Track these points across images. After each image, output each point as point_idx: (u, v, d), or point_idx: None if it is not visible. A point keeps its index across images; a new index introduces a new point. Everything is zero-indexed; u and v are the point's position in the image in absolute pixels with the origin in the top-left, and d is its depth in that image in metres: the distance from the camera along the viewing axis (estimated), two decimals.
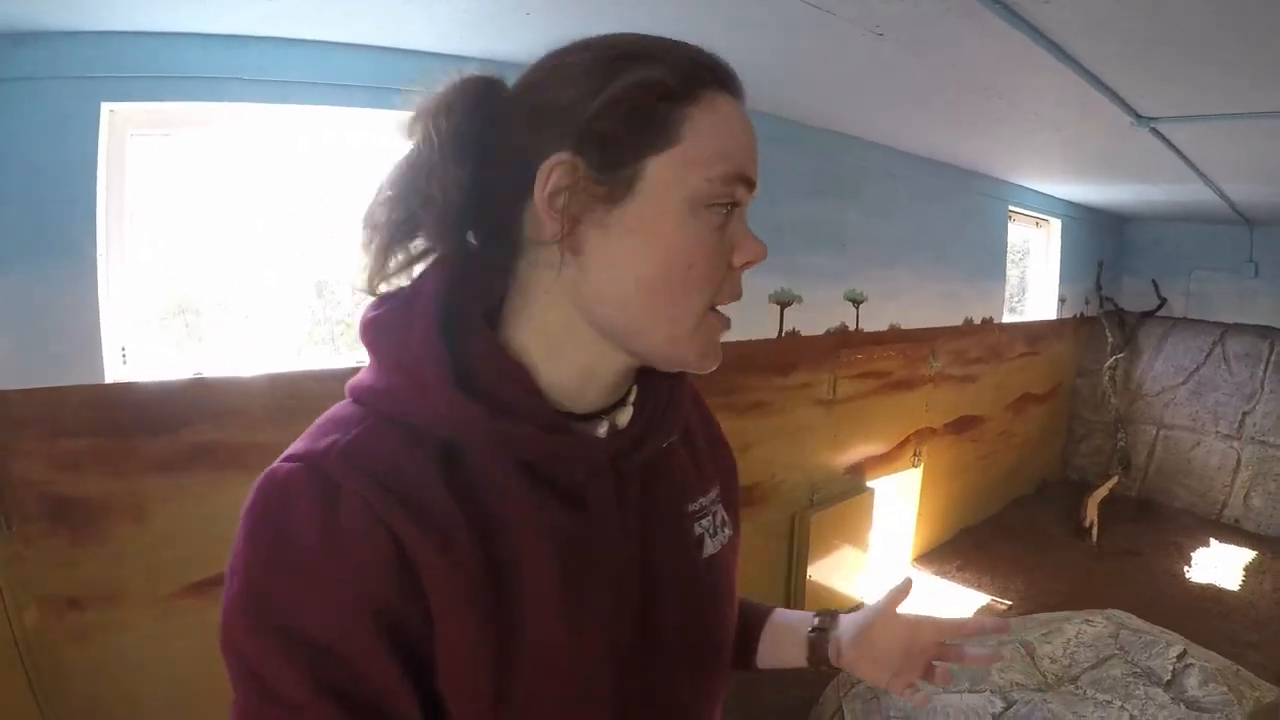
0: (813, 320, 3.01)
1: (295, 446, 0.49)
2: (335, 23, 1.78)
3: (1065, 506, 4.49)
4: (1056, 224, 4.61)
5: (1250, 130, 2.36)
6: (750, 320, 2.78)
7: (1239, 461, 4.51)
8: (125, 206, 1.89)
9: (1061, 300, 4.73)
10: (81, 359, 1.80)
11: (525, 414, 0.50)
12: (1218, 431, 4.62)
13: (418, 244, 0.53)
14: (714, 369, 0.54)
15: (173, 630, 1.93)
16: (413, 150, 0.51)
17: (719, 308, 0.53)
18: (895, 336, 3.39)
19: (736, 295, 0.53)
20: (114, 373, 1.86)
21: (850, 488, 3.27)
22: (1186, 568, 3.88)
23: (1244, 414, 4.52)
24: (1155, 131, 2.45)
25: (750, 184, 0.52)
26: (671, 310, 0.51)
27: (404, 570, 0.46)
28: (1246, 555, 4.02)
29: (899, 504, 3.61)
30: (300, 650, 0.43)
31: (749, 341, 2.78)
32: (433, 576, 0.47)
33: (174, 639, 1.92)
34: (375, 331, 0.52)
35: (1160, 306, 5.02)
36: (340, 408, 0.52)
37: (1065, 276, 4.73)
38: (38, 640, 1.83)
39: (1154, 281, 5.06)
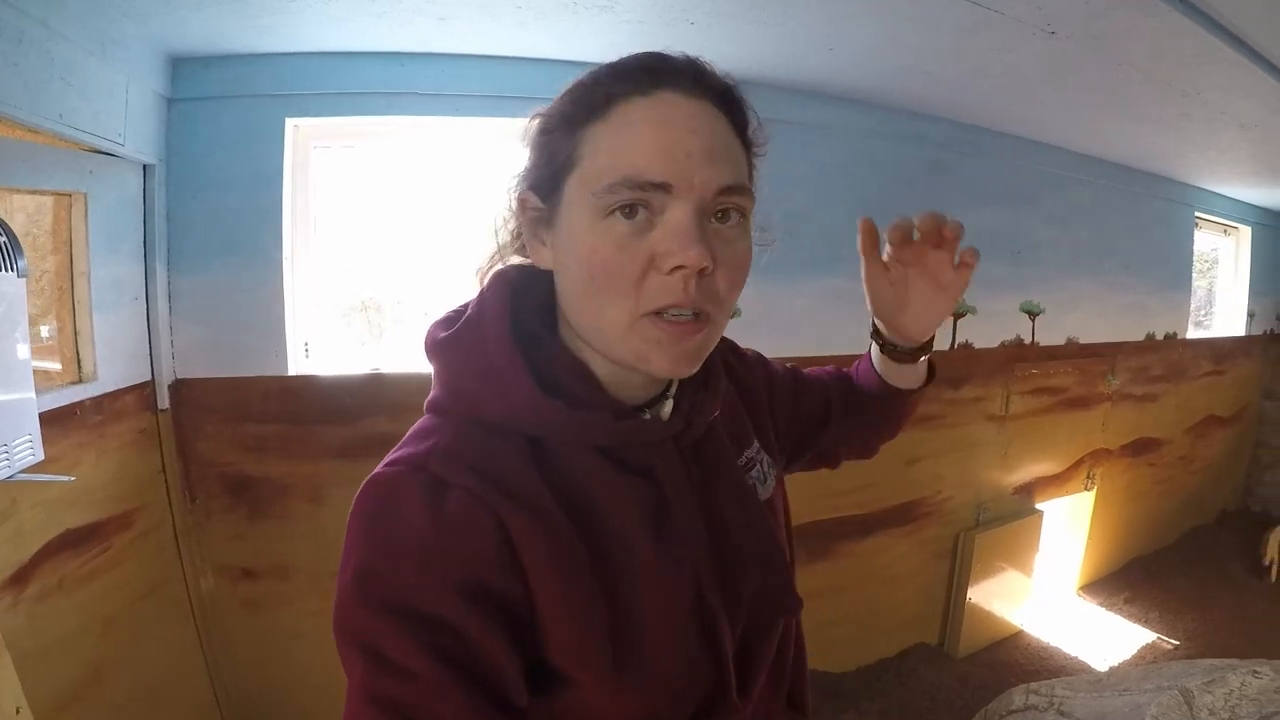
0: (987, 332, 2.89)
1: (393, 455, 0.53)
2: (505, 37, 1.79)
3: (1246, 540, 4.00)
4: (1247, 232, 4.18)
5: None
6: None
7: None
8: (309, 212, 1.99)
9: (1250, 315, 4.28)
10: (267, 352, 1.90)
11: (596, 405, 0.55)
12: None
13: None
14: (678, 374, 0.54)
15: None
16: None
17: (673, 312, 0.51)
18: (1073, 351, 3.19)
19: (670, 299, 0.51)
20: (297, 366, 1.95)
21: (1019, 509, 3.11)
22: None
23: None
24: None
25: (652, 184, 0.49)
26: (594, 319, 0.54)
27: (506, 548, 0.50)
28: None
29: (1068, 528, 3.38)
30: (412, 623, 0.46)
31: None
32: (531, 550, 0.50)
33: None
34: (453, 347, 0.57)
35: None
36: (424, 422, 0.57)
37: (1255, 289, 4.27)
38: (211, 605, 1.94)
39: None
